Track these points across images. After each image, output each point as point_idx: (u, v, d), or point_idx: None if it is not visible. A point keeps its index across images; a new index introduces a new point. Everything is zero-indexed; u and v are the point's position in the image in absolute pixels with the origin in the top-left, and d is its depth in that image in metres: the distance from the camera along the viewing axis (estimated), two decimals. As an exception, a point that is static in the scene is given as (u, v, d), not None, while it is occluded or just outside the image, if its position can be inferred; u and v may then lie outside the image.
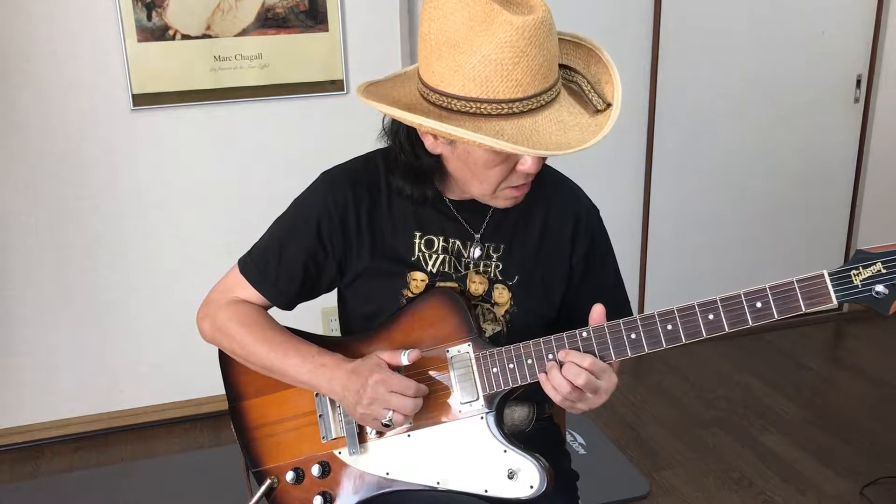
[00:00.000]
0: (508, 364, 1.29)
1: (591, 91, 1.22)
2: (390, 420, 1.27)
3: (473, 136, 1.13)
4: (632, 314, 1.31)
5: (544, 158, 1.26)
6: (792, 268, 3.65)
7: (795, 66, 3.43)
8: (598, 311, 1.26)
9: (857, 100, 3.56)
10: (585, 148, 1.15)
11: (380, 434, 1.37)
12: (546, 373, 1.26)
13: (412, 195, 1.35)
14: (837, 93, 3.53)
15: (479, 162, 1.24)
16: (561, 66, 1.23)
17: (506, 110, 1.15)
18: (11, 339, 2.87)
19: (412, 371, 1.32)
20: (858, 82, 3.53)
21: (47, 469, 2.83)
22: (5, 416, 2.93)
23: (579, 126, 1.19)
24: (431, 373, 1.33)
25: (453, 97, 1.17)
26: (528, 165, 1.23)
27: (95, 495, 2.66)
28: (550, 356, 1.27)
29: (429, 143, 1.29)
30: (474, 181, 1.28)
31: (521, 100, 1.15)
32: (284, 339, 1.40)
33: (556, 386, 1.24)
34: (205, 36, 2.72)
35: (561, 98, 1.20)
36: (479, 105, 1.15)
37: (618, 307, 1.46)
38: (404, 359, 1.29)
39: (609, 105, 1.21)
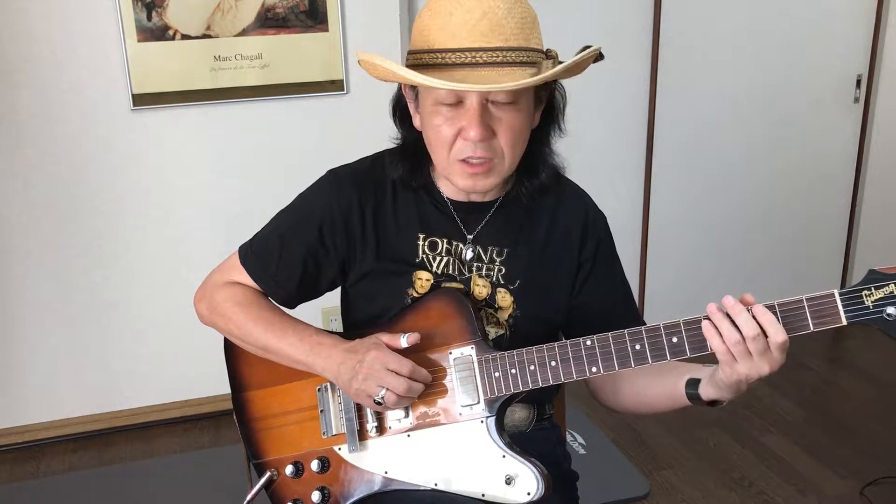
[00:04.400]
0: (511, 369, 1.29)
1: (542, 57, 1.23)
2: (382, 398, 1.27)
3: (386, 64, 1.19)
4: (643, 322, 1.29)
5: (488, 131, 1.24)
6: (792, 267, 3.66)
7: (795, 67, 3.43)
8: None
9: (857, 100, 3.56)
10: (504, 88, 1.15)
11: (380, 431, 1.37)
12: (708, 319, 1.15)
13: (402, 177, 1.37)
14: (837, 93, 3.53)
15: (431, 123, 1.28)
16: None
17: (439, 59, 1.20)
18: (11, 339, 2.87)
19: (409, 353, 1.32)
20: (858, 82, 3.53)
21: (47, 469, 2.82)
22: (5, 416, 2.93)
23: (514, 81, 1.18)
24: (433, 374, 1.33)
25: (410, 53, 1.25)
26: (467, 133, 1.23)
27: (95, 495, 2.67)
28: (694, 325, 1.16)
29: (416, 120, 1.34)
30: (433, 149, 1.31)
31: (454, 50, 1.19)
32: (282, 319, 1.41)
33: (724, 334, 1.13)
34: (205, 36, 2.72)
35: (514, 69, 1.20)
36: (420, 56, 1.23)
37: (628, 312, 1.46)
38: (403, 341, 1.29)
39: (552, 59, 1.22)
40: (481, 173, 1.29)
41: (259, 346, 1.41)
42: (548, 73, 1.19)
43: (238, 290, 1.44)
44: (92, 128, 2.74)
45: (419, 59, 1.23)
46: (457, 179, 1.31)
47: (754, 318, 1.13)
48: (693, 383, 1.28)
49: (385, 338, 1.32)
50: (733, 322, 1.14)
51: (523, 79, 1.18)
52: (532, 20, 1.24)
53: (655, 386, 1.35)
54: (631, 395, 1.41)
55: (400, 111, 1.37)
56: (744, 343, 1.13)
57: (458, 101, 1.23)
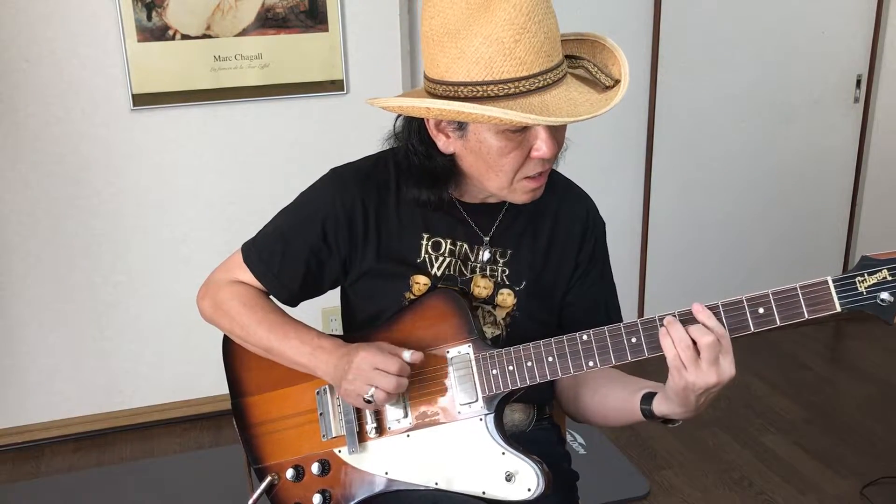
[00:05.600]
0: (508, 366, 1.29)
1: (599, 71, 1.22)
2: (372, 396, 1.27)
3: (482, 110, 1.12)
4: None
5: (558, 144, 1.26)
6: (791, 267, 3.66)
7: (795, 66, 3.43)
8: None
9: (857, 100, 3.55)
10: (598, 115, 1.16)
11: (379, 432, 1.37)
12: (664, 327, 1.17)
13: (428, 200, 1.34)
14: (837, 93, 3.53)
15: (492, 150, 1.23)
16: (567, 56, 1.24)
17: (512, 90, 1.15)
18: (11, 339, 2.87)
19: (412, 370, 1.32)
20: (858, 82, 3.53)
21: (47, 469, 2.83)
22: (5, 416, 2.93)
23: (589, 101, 1.19)
24: (431, 373, 1.33)
25: (459, 84, 1.16)
26: (542, 151, 1.21)
27: (95, 495, 2.67)
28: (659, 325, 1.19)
29: (441, 142, 1.28)
30: (490, 174, 1.27)
31: (526, 78, 1.14)
32: (284, 321, 1.41)
33: (675, 339, 1.15)
34: (205, 36, 2.72)
35: (568, 79, 1.21)
36: (485, 88, 1.15)
37: (612, 316, 1.46)
38: (407, 356, 1.29)
39: (617, 82, 1.21)
40: (542, 184, 1.30)
41: (262, 347, 1.42)
42: (622, 91, 1.18)
43: (242, 290, 1.44)
44: (92, 128, 2.75)
45: (484, 91, 1.15)
46: (518, 196, 1.30)
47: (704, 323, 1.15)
48: (648, 398, 1.29)
49: (388, 348, 1.31)
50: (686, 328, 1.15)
51: (580, 86, 1.20)
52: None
53: (614, 397, 1.35)
54: (592, 404, 1.41)
55: (419, 134, 1.31)
56: (693, 348, 1.14)
57: (526, 126, 1.20)
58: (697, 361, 1.15)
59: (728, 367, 1.16)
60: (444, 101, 1.16)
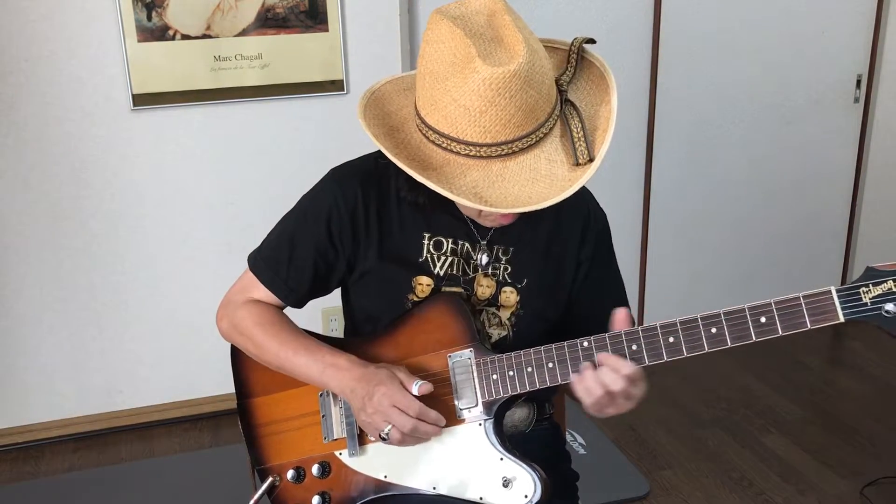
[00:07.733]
0: (508, 371, 1.29)
1: (581, 141, 1.19)
2: (388, 434, 1.27)
3: (425, 181, 1.15)
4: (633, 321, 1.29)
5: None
6: (791, 267, 3.66)
7: (795, 67, 3.43)
8: (620, 317, 1.25)
9: (857, 100, 3.55)
10: (541, 207, 1.14)
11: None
12: (579, 373, 1.24)
13: (419, 201, 1.34)
14: (837, 93, 3.52)
15: None
16: (568, 100, 1.21)
17: (473, 152, 1.16)
18: (11, 339, 2.87)
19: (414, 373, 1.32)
20: (858, 82, 3.52)
21: (47, 469, 2.83)
22: (5, 416, 2.93)
23: (550, 178, 1.17)
24: (432, 377, 1.33)
25: (430, 128, 1.18)
26: (492, 218, 1.26)
27: (95, 495, 2.67)
28: (576, 362, 1.25)
29: None
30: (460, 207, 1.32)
31: (489, 145, 1.15)
32: (296, 337, 1.41)
33: (588, 388, 1.22)
34: (205, 36, 2.72)
35: (546, 142, 1.19)
36: (449, 142, 1.17)
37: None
38: (415, 389, 1.28)
39: (590, 161, 1.19)
40: (508, 221, 1.31)
41: (275, 365, 1.42)
42: (584, 179, 1.17)
43: (257, 310, 1.43)
44: (92, 128, 2.74)
45: (448, 145, 1.17)
46: (487, 223, 1.34)
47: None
48: None
49: (401, 374, 1.30)
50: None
51: (556, 151, 1.18)
52: (549, 70, 1.19)
53: None
54: None
55: None
56: (607, 394, 1.22)
57: None
58: (614, 401, 1.23)
59: (640, 392, 1.25)
60: (400, 161, 1.18)
